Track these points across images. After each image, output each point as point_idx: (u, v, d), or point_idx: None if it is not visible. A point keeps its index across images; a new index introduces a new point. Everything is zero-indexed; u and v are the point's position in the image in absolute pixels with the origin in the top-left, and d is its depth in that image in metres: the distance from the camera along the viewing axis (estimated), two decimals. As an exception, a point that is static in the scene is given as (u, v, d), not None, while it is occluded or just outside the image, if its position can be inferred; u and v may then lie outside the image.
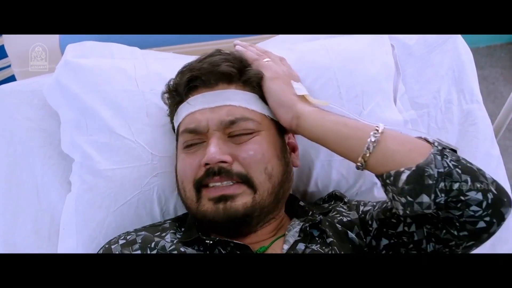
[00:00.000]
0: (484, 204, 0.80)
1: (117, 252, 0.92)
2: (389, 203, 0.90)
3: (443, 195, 0.80)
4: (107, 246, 0.95)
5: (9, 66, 1.48)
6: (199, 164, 0.91)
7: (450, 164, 0.81)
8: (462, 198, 0.80)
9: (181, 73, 0.99)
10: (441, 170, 0.81)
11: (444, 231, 0.84)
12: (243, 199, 0.90)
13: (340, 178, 1.11)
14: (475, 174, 0.81)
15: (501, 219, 0.81)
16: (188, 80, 0.95)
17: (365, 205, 1.00)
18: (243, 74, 0.96)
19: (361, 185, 1.12)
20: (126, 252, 0.91)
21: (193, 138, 0.94)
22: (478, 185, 0.81)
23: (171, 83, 1.00)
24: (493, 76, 2.05)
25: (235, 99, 0.94)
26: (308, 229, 0.93)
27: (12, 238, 1.11)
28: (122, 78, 1.10)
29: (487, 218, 0.80)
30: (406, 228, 0.89)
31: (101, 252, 0.95)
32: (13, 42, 1.32)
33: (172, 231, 0.96)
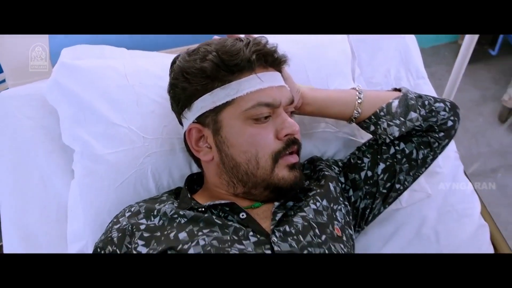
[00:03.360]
0: (447, 108, 1.15)
1: (125, 223, 0.99)
2: (377, 137, 1.17)
3: (422, 109, 1.14)
4: (115, 220, 1.03)
5: (4, 81, 1.51)
6: (274, 136, 1.01)
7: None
8: (434, 108, 1.14)
9: (234, 47, 1.00)
10: (416, 94, 1.16)
11: (429, 137, 1.15)
12: (298, 167, 1.05)
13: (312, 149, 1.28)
14: (431, 95, 1.18)
15: (459, 117, 1.17)
16: (258, 56, 1.01)
17: (340, 160, 1.23)
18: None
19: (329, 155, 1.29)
20: (133, 221, 0.99)
21: (264, 111, 1.00)
22: (438, 99, 1.17)
23: (219, 55, 1.00)
24: (440, 73, 2.27)
25: (283, 82, 1.07)
26: (298, 192, 1.08)
27: (24, 226, 1.19)
28: (114, 75, 1.20)
29: (452, 118, 1.15)
30: (397, 148, 1.16)
31: (110, 225, 1.03)
32: (8, 56, 1.37)
33: (169, 202, 1.05)
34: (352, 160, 1.19)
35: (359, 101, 1.14)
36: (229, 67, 1.00)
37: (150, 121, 1.18)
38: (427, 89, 1.40)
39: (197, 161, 1.13)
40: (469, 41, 1.58)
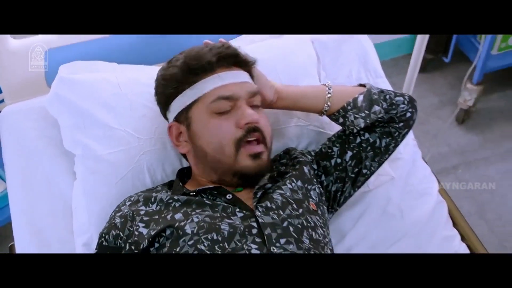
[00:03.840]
0: (406, 101, 1.28)
1: (126, 210, 1.10)
2: (345, 128, 1.28)
3: (384, 103, 1.26)
4: (117, 209, 1.14)
5: (3, 101, 1.58)
6: (236, 126, 1.12)
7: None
8: (394, 101, 1.27)
9: (199, 52, 1.15)
10: (378, 89, 1.29)
11: (390, 127, 1.28)
12: (265, 156, 1.16)
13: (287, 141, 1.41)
14: (391, 90, 1.31)
15: (416, 109, 1.30)
16: (218, 58, 1.14)
17: (313, 150, 1.34)
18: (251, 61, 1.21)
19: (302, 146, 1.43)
20: (133, 208, 1.10)
21: (225, 105, 1.12)
22: (398, 93, 1.30)
23: (186, 61, 1.15)
24: (400, 83, 2.45)
25: (248, 79, 1.19)
26: (275, 175, 1.20)
27: (34, 223, 1.30)
28: (108, 86, 1.31)
29: (410, 110, 1.28)
30: (362, 137, 1.28)
31: (113, 214, 1.13)
32: (6, 76, 1.44)
33: (164, 191, 1.16)
34: (323, 150, 1.32)
35: (328, 96, 1.26)
36: (193, 70, 1.14)
37: (143, 123, 1.30)
38: (385, 87, 1.52)
39: (184, 155, 1.27)
40: (419, 46, 1.78)
